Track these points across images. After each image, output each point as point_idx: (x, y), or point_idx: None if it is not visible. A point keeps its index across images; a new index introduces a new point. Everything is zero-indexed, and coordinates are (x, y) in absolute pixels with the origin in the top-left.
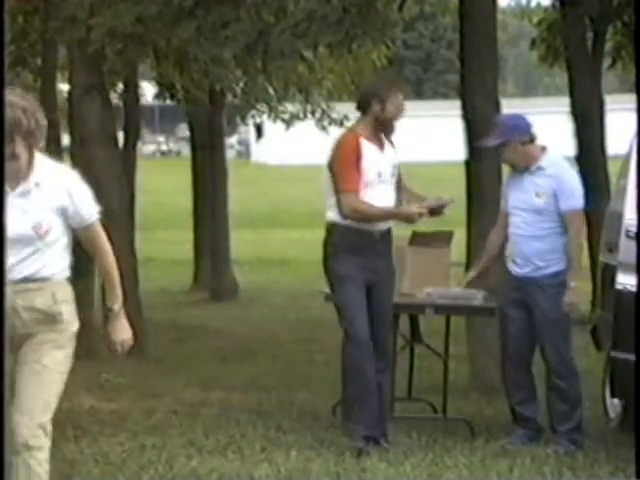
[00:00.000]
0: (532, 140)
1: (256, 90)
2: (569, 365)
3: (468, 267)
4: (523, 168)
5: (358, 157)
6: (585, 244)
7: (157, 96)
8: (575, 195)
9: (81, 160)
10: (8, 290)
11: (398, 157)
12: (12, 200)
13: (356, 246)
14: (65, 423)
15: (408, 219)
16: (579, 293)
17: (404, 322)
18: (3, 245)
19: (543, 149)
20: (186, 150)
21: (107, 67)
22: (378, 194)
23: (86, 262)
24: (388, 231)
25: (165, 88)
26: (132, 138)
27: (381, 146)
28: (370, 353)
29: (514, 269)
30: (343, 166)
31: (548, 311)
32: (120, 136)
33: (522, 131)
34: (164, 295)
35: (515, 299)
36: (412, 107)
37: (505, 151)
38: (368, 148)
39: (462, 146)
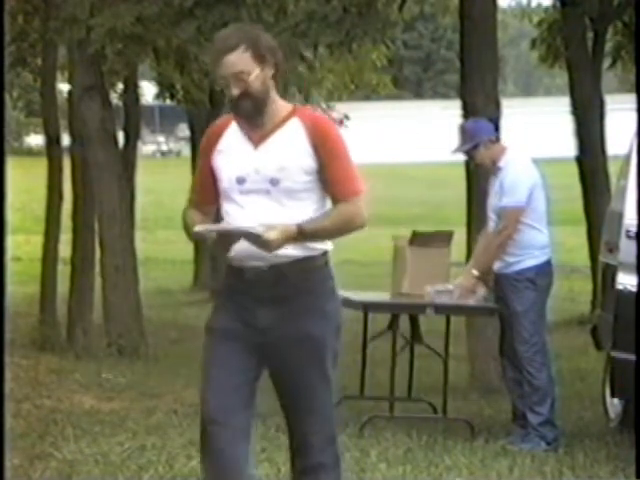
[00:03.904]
0: (497, 140)
1: None
2: (537, 356)
3: None
4: (490, 168)
5: (208, 152)
6: (586, 244)
7: (157, 96)
8: (512, 193)
9: (81, 160)
10: None
11: (303, 159)
12: None
13: (231, 288)
14: (65, 423)
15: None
16: (474, 281)
17: (404, 322)
18: (3, 247)
19: (504, 149)
20: (186, 150)
21: (107, 67)
22: (239, 211)
23: (87, 263)
24: (278, 270)
25: (165, 88)
26: (132, 138)
27: (255, 138)
28: (222, 438)
29: (494, 268)
30: None
31: (516, 304)
32: (120, 136)
33: (489, 131)
34: (164, 295)
35: (497, 295)
36: (412, 107)
37: (477, 153)
38: (230, 139)
39: None
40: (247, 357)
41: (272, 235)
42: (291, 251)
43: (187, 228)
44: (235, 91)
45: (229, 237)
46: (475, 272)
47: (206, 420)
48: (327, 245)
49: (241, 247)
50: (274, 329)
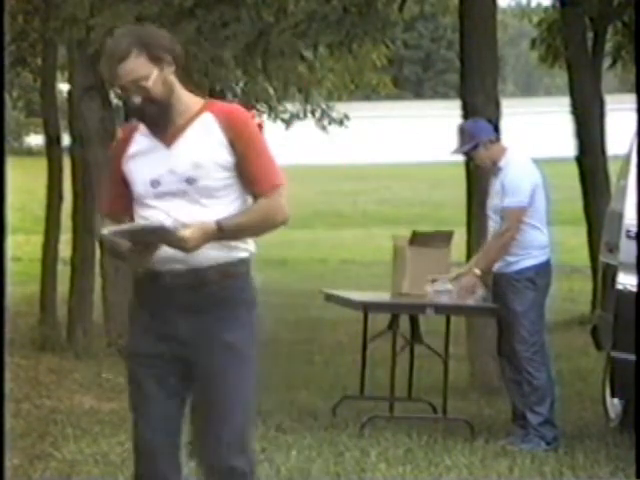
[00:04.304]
0: (497, 140)
1: (256, 90)
2: (537, 356)
3: None
4: (490, 169)
5: (118, 159)
6: (586, 244)
7: None
8: (514, 193)
9: (81, 160)
10: None
11: (219, 154)
12: None
13: (146, 298)
14: (65, 423)
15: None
16: (474, 281)
17: (404, 322)
18: (3, 247)
19: (504, 149)
20: None
21: None
22: (157, 215)
23: (87, 263)
24: (198, 275)
25: None
26: None
27: (167, 137)
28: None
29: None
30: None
31: (516, 304)
32: None
33: (488, 131)
34: None
35: (495, 295)
36: (412, 107)
37: (477, 153)
38: (140, 143)
39: None
40: (172, 381)
41: (188, 232)
42: (212, 254)
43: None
44: (137, 99)
45: (145, 243)
46: (477, 271)
47: (141, 457)
48: (249, 252)
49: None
50: (194, 339)
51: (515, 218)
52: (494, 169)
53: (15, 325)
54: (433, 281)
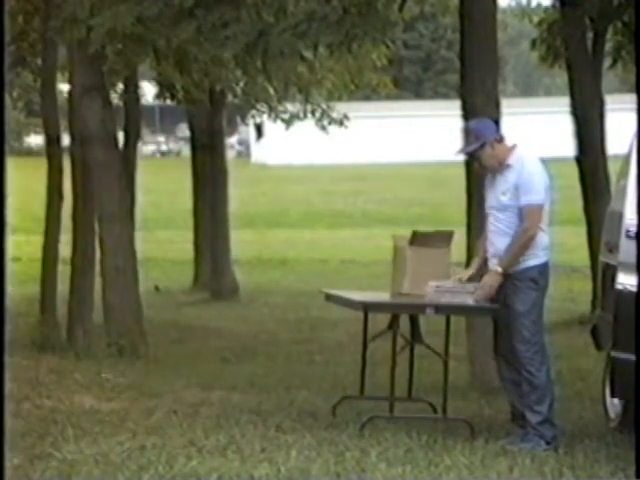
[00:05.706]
0: (502, 139)
1: (256, 90)
2: (537, 355)
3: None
4: (496, 168)
5: None
6: (586, 244)
7: (157, 96)
8: (532, 191)
9: (81, 160)
10: None
11: None
12: None
13: None
14: (65, 423)
15: None
16: (496, 280)
17: (404, 322)
18: (3, 247)
19: (511, 148)
20: (186, 150)
21: (107, 67)
22: None
23: (87, 263)
24: None
25: (165, 88)
26: (132, 138)
27: None
28: None
29: (490, 266)
30: None
31: (517, 304)
32: (120, 136)
33: (494, 130)
34: (164, 295)
35: (495, 294)
36: (412, 107)
37: (483, 153)
38: None
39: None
40: None
41: None
42: None
43: None
44: None
45: None
46: (500, 270)
47: None
48: None
49: None
50: None
51: (537, 216)
52: (500, 168)
53: (15, 325)
54: (437, 286)
